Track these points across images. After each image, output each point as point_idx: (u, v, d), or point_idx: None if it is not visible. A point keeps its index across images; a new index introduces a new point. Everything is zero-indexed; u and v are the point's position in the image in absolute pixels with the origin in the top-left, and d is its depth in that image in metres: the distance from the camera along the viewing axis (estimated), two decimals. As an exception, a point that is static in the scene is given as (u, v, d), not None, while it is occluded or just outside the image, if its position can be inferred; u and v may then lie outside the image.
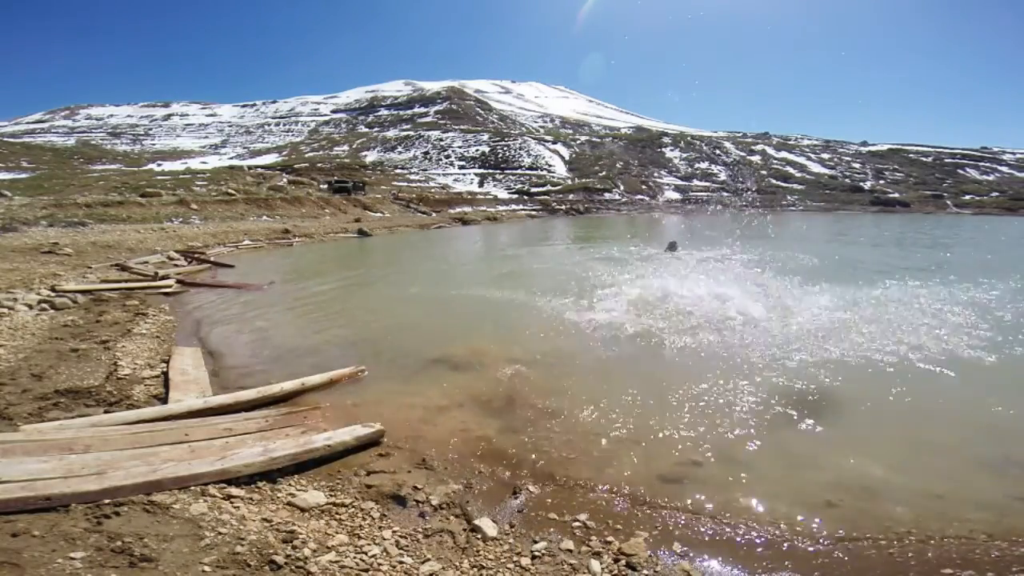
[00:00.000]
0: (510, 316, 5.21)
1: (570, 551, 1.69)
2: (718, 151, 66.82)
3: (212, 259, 10.11)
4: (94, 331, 4.18)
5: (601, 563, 1.63)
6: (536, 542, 1.73)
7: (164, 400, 2.74)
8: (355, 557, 1.58)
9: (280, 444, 2.15)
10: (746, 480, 2.11)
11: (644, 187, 53.26)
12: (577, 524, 1.83)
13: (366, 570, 1.53)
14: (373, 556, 1.60)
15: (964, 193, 53.73)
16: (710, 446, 2.38)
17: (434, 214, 30.13)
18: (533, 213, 36.78)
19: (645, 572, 1.60)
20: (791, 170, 63.24)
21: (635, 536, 1.75)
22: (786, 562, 1.64)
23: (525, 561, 1.64)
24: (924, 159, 67.72)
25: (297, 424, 2.46)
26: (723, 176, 60.19)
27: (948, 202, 50.21)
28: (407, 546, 1.69)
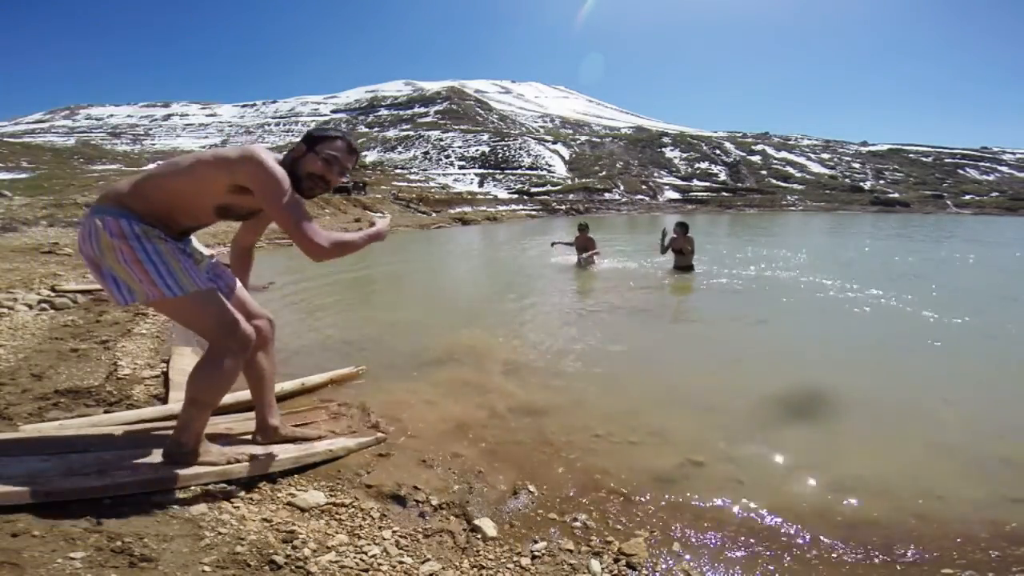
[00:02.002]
0: (512, 315, 5.21)
1: (570, 551, 1.69)
2: (718, 151, 66.81)
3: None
4: (94, 331, 4.17)
5: (601, 563, 1.63)
6: (536, 542, 1.73)
7: (164, 400, 2.74)
8: (355, 557, 1.58)
9: (281, 445, 2.15)
10: (746, 480, 2.11)
11: (644, 187, 53.26)
12: (577, 524, 1.83)
13: (366, 570, 1.53)
14: (373, 556, 1.60)
15: (964, 193, 53.76)
16: (711, 446, 2.38)
17: (434, 214, 30.15)
18: (533, 213, 36.81)
19: (645, 572, 1.60)
20: (791, 170, 63.24)
21: (635, 536, 1.76)
22: (786, 562, 1.65)
23: (525, 561, 1.64)
24: (924, 159, 67.75)
25: (298, 424, 2.46)
26: (723, 176, 60.20)
27: (948, 202, 50.24)
28: (407, 546, 1.69)
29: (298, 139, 1.96)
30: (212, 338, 1.86)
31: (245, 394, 2.74)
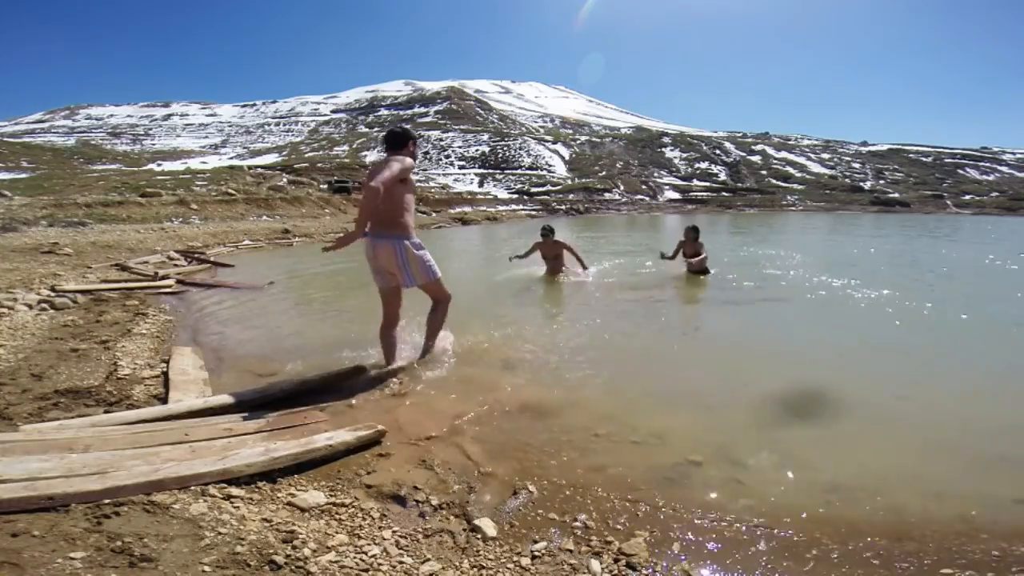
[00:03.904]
0: (512, 314, 5.20)
1: (570, 551, 1.69)
2: (718, 151, 66.81)
3: (212, 259, 10.11)
4: (94, 331, 4.18)
5: (601, 563, 1.63)
6: (536, 542, 1.73)
7: (164, 400, 2.74)
8: (355, 557, 1.58)
9: (281, 444, 2.15)
10: (746, 480, 2.11)
11: (644, 187, 53.29)
12: (577, 524, 1.83)
13: (366, 570, 1.53)
14: (373, 556, 1.60)
15: (964, 193, 53.81)
16: (711, 446, 2.38)
17: (434, 214, 30.14)
18: (533, 213, 36.87)
19: (645, 572, 1.60)
20: (791, 170, 63.26)
21: (635, 536, 1.75)
22: (785, 563, 1.64)
23: (525, 561, 1.64)
24: (924, 159, 67.76)
25: (297, 424, 2.46)
26: (723, 176, 60.23)
27: (948, 202, 50.29)
28: (407, 546, 1.69)
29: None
30: (444, 299, 3.46)
31: (245, 394, 2.75)
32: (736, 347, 4.12)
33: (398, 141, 3.19)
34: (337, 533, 1.71)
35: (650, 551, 1.68)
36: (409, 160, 3.08)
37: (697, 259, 7.07)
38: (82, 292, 5.79)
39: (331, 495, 1.93)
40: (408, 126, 3.91)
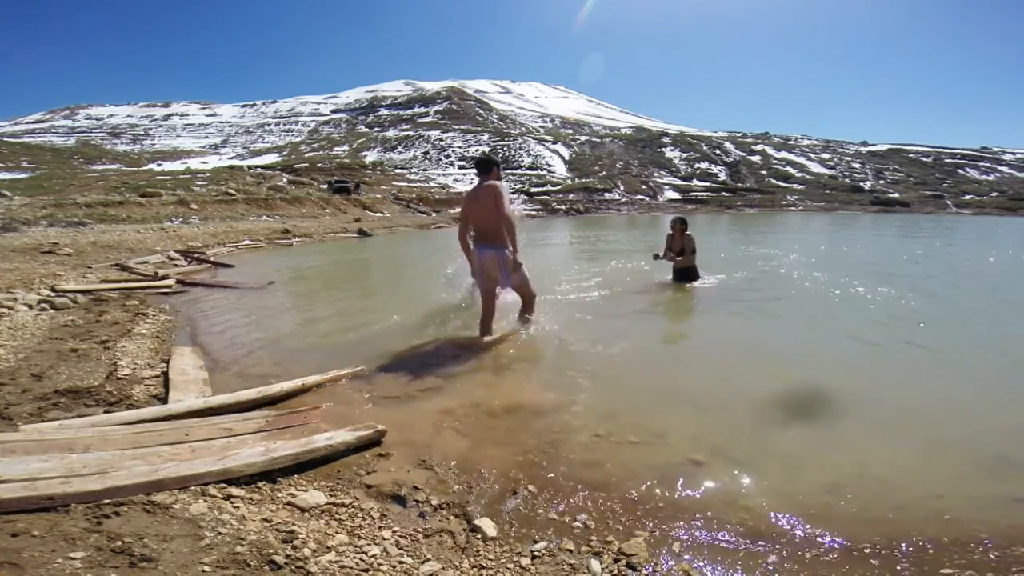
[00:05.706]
0: (510, 314, 5.20)
1: (570, 551, 1.69)
2: (718, 151, 66.80)
3: (212, 259, 10.11)
4: (94, 331, 4.18)
5: (601, 563, 1.63)
6: (536, 542, 1.73)
7: (164, 400, 2.74)
8: (355, 557, 1.58)
9: (281, 444, 2.15)
10: (746, 480, 2.11)
11: (644, 187, 53.27)
12: (577, 524, 1.83)
13: (366, 570, 1.54)
14: (373, 556, 1.60)
15: (964, 193, 53.80)
16: (711, 445, 2.38)
17: (434, 214, 30.13)
18: (533, 213, 36.86)
19: (645, 572, 1.60)
20: (791, 170, 63.23)
21: (635, 536, 1.75)
22: (786, 563, 1.65)
23: (525, 561, 1.64)
24: (924, 159, 67.72)
25: (297, 424, 2.46)
26: (723, 176, 60.21)
27: (948, 202, 50.28)
28: (407, 546, 1.69)
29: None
30: (531, 296, 4.27)
31: (245, 394, 2.76)
32: (736, 347, 4.12)
33: (485, 167, 3.90)
34: (337, 533, 1.71)
35: (650, 551, 1.69)
36: (505, 185, 3.86)
37: (682, 257, 6.45)
38: (82, 292, 5.79)
39: (331, 495, 1.93)
40: (488, 151, 4.12)
